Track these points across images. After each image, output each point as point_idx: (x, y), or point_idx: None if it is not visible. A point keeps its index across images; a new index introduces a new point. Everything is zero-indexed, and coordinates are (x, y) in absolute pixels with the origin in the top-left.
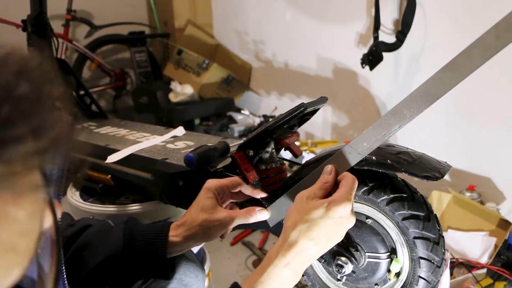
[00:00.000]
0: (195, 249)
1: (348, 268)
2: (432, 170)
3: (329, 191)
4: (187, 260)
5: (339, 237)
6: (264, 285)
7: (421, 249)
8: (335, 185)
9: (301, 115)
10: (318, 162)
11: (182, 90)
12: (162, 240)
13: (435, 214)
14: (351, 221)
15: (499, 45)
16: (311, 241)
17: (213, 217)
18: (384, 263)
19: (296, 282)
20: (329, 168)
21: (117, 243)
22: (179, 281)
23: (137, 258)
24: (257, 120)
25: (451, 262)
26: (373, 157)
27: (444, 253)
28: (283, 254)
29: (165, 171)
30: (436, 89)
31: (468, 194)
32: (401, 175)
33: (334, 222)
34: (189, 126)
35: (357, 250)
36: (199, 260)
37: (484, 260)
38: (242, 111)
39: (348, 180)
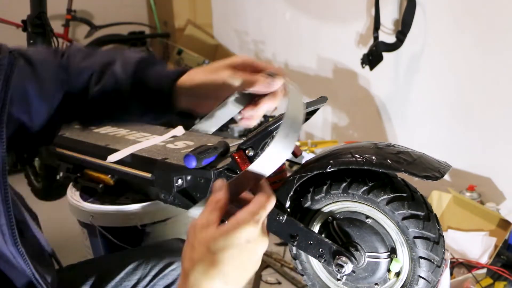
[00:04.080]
0: None
1: (348, 267)
2: (432, 170)
3: (228, 209)
4: None
5: (254, 265)
6: None
7: (421, 249)
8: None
9: None
10: (319, 162)
11: None
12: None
13: (435, 214)
14: (263, 244)
15: None
16: (217, 282)
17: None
18: (384, 262)
19: None
20: (218, 183)
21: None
22: None
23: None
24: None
25: (451, 262)
26: (373, 157)
27: (444, 253)
28: None
29: (165, 171)
30: None
31: (468, 194)
32: (401, 175)
33: (240, 250)
34: (189, 126)
35: (357, 249)
36: None
37: (484, 260)
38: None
39: (259, 197)
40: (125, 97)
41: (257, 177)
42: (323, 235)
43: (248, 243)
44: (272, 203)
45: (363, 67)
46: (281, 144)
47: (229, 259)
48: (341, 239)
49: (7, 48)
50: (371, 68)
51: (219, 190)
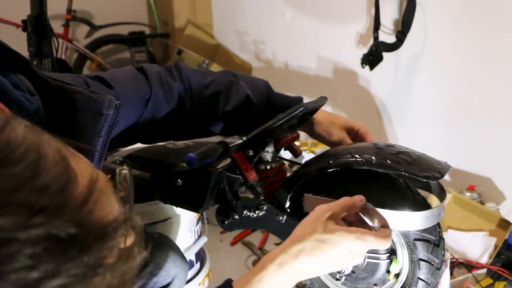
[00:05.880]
0: (195, 249)
1: (348, 268)
2: (432, 170)
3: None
4: (168, 248)
5: (342, 265)
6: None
7: (421, 251)
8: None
9: (301, 114)
10: (319, 162)
11: None
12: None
13: None
14: (355, 261)
15: None
16: (312, 259)
17: None
18: (383, 263)
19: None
20: (362, 197)
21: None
22: (155, 264)
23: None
24: None
25: (451, 262)
26: (373, 157)
27: (444, 255)
28: (280, 263)
29: (165, 171)
30: None
31: (468, 194)
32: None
33: (342, 253)
34: None
35: None
36: (199, 260)
37: (484, 260)
38: None
39: (381, 236)
40: (256, 114)
41: (383, 223)
42: None
43: (350, 253)
44: (385, 245)
45: (363, 67)
46: (419, 218)
47: (331, 252)
48: None
49: (115, 101)
50: (371, 68)
51: (359, 201)
